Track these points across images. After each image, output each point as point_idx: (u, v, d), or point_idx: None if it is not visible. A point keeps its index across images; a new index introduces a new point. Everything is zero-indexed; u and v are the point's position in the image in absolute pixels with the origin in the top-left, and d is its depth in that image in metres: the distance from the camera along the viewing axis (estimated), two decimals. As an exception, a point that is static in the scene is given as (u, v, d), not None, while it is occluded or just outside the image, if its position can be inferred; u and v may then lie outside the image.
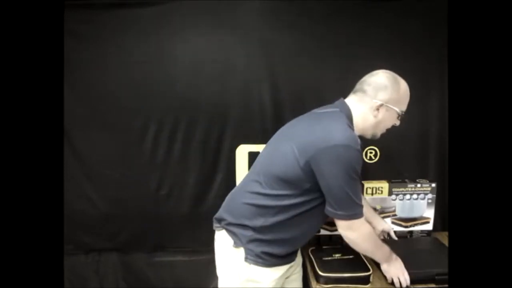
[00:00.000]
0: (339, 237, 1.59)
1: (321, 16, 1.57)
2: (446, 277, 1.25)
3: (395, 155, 1.71)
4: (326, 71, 1.61)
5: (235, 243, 1.22)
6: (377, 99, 1.20)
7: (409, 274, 1.27)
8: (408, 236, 1.64)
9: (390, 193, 1.60)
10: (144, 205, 1.71)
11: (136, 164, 1.67)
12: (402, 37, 1.59)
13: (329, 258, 1.41)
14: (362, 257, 1.43)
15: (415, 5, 1.57)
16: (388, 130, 1.29)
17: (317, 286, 1.32)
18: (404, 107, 1.24)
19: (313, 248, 1.52)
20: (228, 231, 1.25)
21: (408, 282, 1.26)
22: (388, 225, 1.54)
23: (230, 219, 1.25)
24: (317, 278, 1.33)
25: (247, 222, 1.21)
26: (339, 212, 1.14)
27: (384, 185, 1.60)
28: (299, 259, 1.40)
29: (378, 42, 1.60)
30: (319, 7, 1.55)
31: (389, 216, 1.62)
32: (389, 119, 1.24)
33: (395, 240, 1.52)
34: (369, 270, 1.33)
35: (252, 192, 1.22)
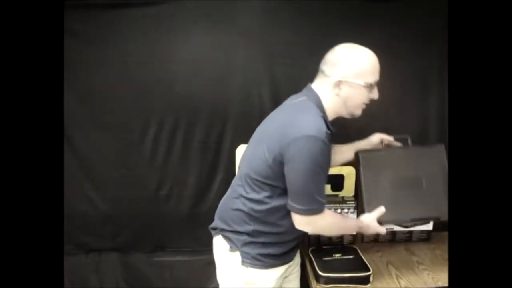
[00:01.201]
0: (339, 237, 1.60)
1: (321, 16, 1.57)
2: (423, 221, 1.32)
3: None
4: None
5: (230, 247, 1.22)
6: (334, 77, 1.15)
7: (381, 222, 1.24)
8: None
9: (390, 193, 1.60)
10: (144, 205, 1.71)
11: (136, 164, 1.67)
12: (402, 37, 1.59)
13: (329, 258, 1.42)
14: (362, 257, 1.43)
15: (415, 6, 1.56)
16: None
17: (317, 286, 1.32)
18: (371, 78, 1.15)
19: (313, 248, 1.52)
20: (224, 236, 1.25)
21: (384, 233, 1.26)
22: (376, 137, 1.39)
23: (223, 226, 1.25)
24: (317, 278, 1.33)
25: (239, 228, 1.21)
26: (297, 206, 1.11)
27: (384, 185, 1.59)
28: (297, 258, 1.39)
29: (378, 43, 1.58)
30: (319, 7, 1.55)
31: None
32: (357, 94, 1.15)
33: (395, 148, 1.39)
34: (369, 270, 1.33)
35: (238, 198, 1.22)
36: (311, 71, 1.60)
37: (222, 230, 1.25)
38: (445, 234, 1.66)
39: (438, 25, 1.53)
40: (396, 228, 1.63)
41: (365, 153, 1.31)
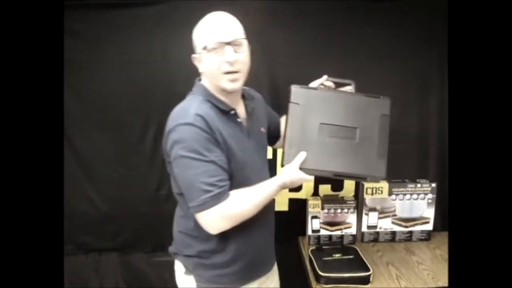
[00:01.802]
0: (339, 237, 1.61)
1: (321, 16, 1.57)
2: (347, 177, 1.22)
3: (395, 155, 1.71)
4: (326, 71, 1.60)
5: (185, 271, 1.16)
6: (192, 55, 1.11)
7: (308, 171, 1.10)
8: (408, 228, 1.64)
9: (390, 193, 1.60)
10: (144, 205, 1.71)
11: (136, 164, 1.67)
12: (403, 37, 1.59)
13: (329, 258, 1.42)
14: (362, 257, 1.43)
15: (415, 6, 1.56)
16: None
17: (317, 286, 1.32)
18: (208, 41, 1.02)
19: (313, 248, 1.52)
20: (179, 260, 1.20)
21: (311, 180, 1.11)
22: (315, 82, 1.26)
23: (175, 250, 1.21)
24: (317, 278, 1.33)
25: (186, 252, 1.15)
26: (191, 205, 1.00)
27: (384, 185, 1.60)
28: (275, 273, 1.30)
29: (378, 43, 1.60)
30: (319, 7, 1.55)
31: (389, 216, 1.62)
32: (207, 63, 1.04)
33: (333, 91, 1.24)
34: (369, 270, 1.33)
35: (177, 219, 1.19)
36: (311, 71, 1.61)
37: (175, 254, 1.20)
38: (445, 234, 1.67)
39: (438, 25, 1.53)
40: (396, 228, 1.63)
41: (298, 88, 1.17)
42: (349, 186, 1.72)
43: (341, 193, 1.71)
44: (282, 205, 1.74)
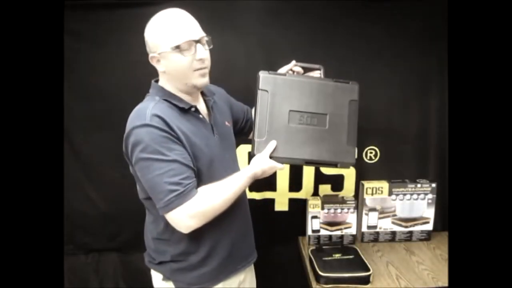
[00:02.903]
0: (339, 237, 1.61)
1: (321, 16, 1.57)
2: (319, 164, 1.24)
3: (395, 155, 1.71)
4: (325, 71, 1.61)
5: (163, 277, 1.14)
6: (150, 55, 1.08)
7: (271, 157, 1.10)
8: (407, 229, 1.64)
9: (390, 193, 1.60)
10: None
11: (136, 164, 1.67)
12: (402, 37, 1.59)
13: (329, 258, 1.42)
14: (362, 257, 1.43)
15: (416, 5, 1.56)
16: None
17: (317, 286, 1.32)
18: (176, 40, 1.00)
19: (313, 248, 1.52)
20: (154, 270, 1.18)
21: (282, 168, 1.11)
22: (284, 68, 1.27)
23: (148, 259, 1.19)
24: (317, 278, 1.33)
25: (161, 258, 1.13)
26: (159, 205, 0.99)
27: (384, 185, 1.60)
28: (251, 273, 1.29)
29: (377, 42, 1.60)
30: (319, 7, 1.55)
31: (389, 216, 1.62)
32: (176, 62, 1.02)
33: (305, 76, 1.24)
34: (369, 270, 1.33)
35: (148, 227, 1.18)
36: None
37: (150, 263, 1.19)
38: (445, 234, 1.67)
39: (438, 25, 1.53)
40: (396, 228, 1.63)
41: (267, 75, 1.16)
42: (349, 186, 1.72)
43: (341, 193, 1.71)
44: (282, 205, 1.74)
